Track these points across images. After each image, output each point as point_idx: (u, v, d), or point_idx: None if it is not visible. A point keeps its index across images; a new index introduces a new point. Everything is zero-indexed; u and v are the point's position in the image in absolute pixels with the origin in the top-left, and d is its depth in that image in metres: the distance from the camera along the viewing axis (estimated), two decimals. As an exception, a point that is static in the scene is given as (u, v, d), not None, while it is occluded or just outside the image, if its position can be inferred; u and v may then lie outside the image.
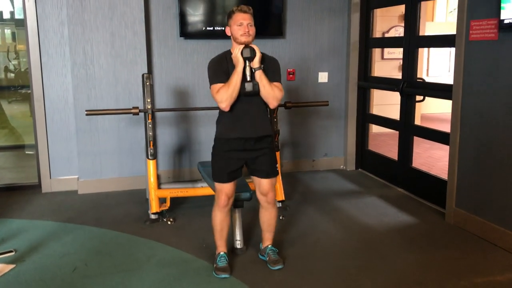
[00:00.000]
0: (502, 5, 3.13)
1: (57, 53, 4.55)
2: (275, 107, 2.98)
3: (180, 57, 4.85)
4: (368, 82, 5.21)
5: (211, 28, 4.77)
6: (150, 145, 3.91)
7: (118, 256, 3.28)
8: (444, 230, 3.70)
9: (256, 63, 2.84)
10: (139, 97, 4.63)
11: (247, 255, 3.29)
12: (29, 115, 7.21)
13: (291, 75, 5.12)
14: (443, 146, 6.00)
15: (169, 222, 3.87)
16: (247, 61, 2.84)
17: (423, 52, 8.53)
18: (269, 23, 4.90)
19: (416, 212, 4.10)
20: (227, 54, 2.96)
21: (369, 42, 5.16)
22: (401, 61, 7.84)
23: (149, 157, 3.93)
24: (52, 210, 4.22)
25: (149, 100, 3.89)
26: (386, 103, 6.08)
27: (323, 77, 5.28)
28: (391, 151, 5.86)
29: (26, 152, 6.39)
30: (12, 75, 7.59)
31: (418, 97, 4.51)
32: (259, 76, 2.85)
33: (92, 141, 4.62)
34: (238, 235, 3.33)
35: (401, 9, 7.66)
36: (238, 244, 3.32)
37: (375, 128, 6.32)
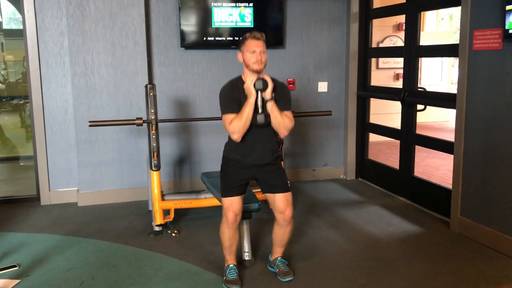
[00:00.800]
0: (507, 15, 3.16)
1: (56, 64, 4.51)
2: (285, 136, 2.99)
3: (180, 67, 4.83)
4: (367, 92, 5.23)
5: (212, 39, 4.76)
6: (154, 156, 3.87)
7: (125, 269, 3.23)
8: (450, 239, 3.71)
9: (268, 94, 2.84)
10: (139, 107, 4.60)
11: (256, 267, 3.26)
12: (20, 126, 7.14)
13: (291, 85, 5.12)
14: (441, 155, 6.03)
15: (173, 234, 3.83)
16: (259, 92, 2.85)
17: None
18: (270, 33, 4.90)
19: (420, 221, 4.11)
20: (239, 82, 2.94)
21: (368, 52, 5.18)
22: (395, 71, 7.99)
23: (153, 169, 3.88)
24: (52, 223, 4.15)
25: (153, 111, 3.85)
26: (381, 112, 6.10)
27: (322, 86, 5.29)
28: (388, 160, 5.90)
29: (21, 164, 6.31)
30: (1, 85, 7.50)
31: (419, 106, 4.53)
32: (271, 107, 2.86)
33: (92, 152, 4.57)
34: (246, 247, 3.29)
35: (395, 19, 7.75)
36: (247, 256, 3.29)
37: (370, 137, 6.38)
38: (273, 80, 2.90)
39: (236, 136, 2.85)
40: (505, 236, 3.38)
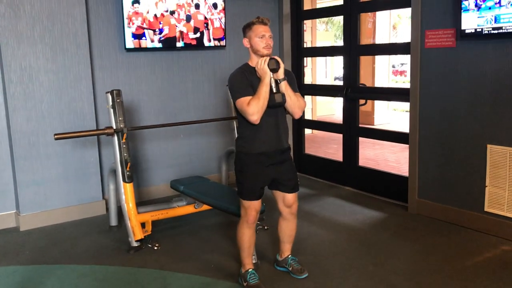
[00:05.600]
0: (462, 16, 3.58)
1: (-16, 71, 3.92)
2: (300, 116, 2.99)
3: (122, 71, 4.53)
4: (302, 90, 5.43)
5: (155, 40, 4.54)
6: (126, 167, 3.60)
7: (130, 291, 2.98)
8: (414, 220, 4.07)
9: (281, 74, 2.83)
10: (84, 115, 4.24)
11: (264, 268, 3.24)
12: None
13: (232, 86, 5.11)
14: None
15: (155, 248, 3.61)
16: (271, 73, 2.82)
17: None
18: (211, 34, 4.84)
19: (378, 207, 4.43)
20: (248, 68, 2.89)
21: (301, 52, 5.40)
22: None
23: (126, 180, 3.61)
24: (2, 253, 3.61)
25: (121, 119, 3.58)
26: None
27: (260, 86, 5.37)
28: (318, 152, 6.22)
29: None
30: None
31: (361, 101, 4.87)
32: (285, 86, 2.85)
33: (33, 169, 4.06)
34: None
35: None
36: (254, 258, 3.24)
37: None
38: None
39: (256, 117, 2.75)
40: (466, 211, 3.83)
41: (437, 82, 3.91)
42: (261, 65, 2.79)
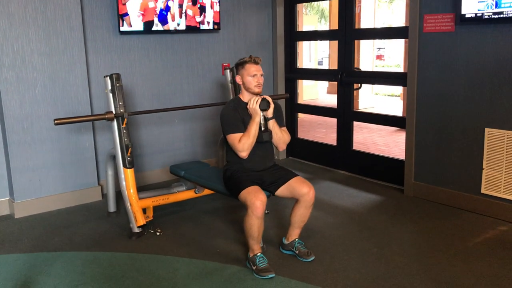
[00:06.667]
0: (462, 1, 3.61)
1: (-26, 54, 3.77)
2: (283, 149, 3.25)
3: (116, 54, 4.43)
4: (295, 74, 5.44)
5: (149, 23, 4.45)
6: (127, 153, 3.55)
7: (139, 277, 2.94)
8: (411, 202, 4.14)
9: (270, 113, 3.08)
10: (79, 100, 4.15)
11: (270, 252, 3.25)
12: None
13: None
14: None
15: (157, 233, 3.58)
16: (261, 112, 3.06)
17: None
18: (207, 18, 4.77)
19: (373, 190, 4.48)
20: (240, 103, 3.13)
21: (294, 36, 5.37)
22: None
23: (127, 166, 3.57)
24: (0, 241, 3.53)
25: (121, 103, 3.51)
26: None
27: (253, 70, 5.33)
28: (307, 136, 6.24)
29: None
30: None
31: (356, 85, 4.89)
32: (272, 124, 3.11)
33: (28, 154, 3.96)
34: (258, 234, 3.26)
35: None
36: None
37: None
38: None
39: (245, 154, 3.03)
40: (463, 194, 3.91)
41: (435, 67, 3.95)
42: (253, 105, 3.02)
